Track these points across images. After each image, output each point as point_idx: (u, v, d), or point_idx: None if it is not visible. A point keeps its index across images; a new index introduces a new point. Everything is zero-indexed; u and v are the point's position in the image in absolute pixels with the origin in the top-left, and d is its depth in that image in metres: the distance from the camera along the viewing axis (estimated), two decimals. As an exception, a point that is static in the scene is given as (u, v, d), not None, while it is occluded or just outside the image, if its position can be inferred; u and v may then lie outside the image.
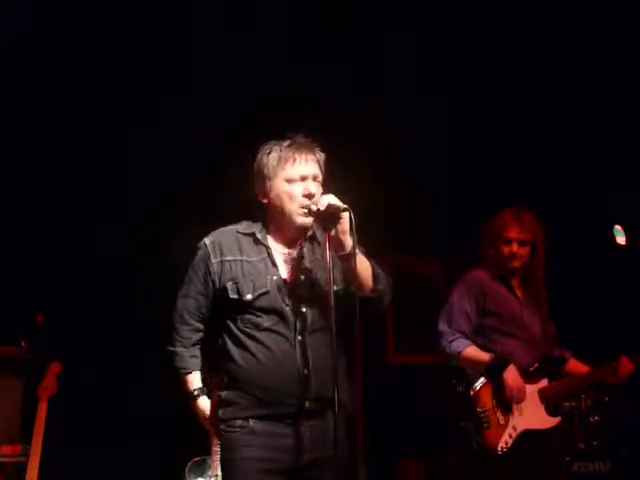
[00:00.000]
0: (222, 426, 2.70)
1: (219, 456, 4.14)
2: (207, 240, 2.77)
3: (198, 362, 2.87)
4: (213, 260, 2.73)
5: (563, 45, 4.58)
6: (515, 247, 3.79)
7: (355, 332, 2.47)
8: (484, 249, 3.89)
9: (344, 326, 2.67)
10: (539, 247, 3.83)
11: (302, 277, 2.71)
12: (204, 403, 2.86)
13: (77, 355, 4.78)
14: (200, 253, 2.77)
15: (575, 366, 3.89)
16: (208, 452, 4.31)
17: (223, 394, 2.72)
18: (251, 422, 2.63)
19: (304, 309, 2.67)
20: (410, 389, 5.72)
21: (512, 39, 4.58)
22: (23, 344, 4.39)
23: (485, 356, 3.68)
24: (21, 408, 4.47)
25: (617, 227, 5.62)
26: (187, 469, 4.33)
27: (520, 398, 3.63)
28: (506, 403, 3.63)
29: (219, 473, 4.21)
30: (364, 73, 4.62)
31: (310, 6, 4.27)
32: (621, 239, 5.62)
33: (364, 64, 4.57)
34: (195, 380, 2.87)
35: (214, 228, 2.82)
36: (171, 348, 2.84)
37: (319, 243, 2.75)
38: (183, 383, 2.87)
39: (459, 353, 3.71)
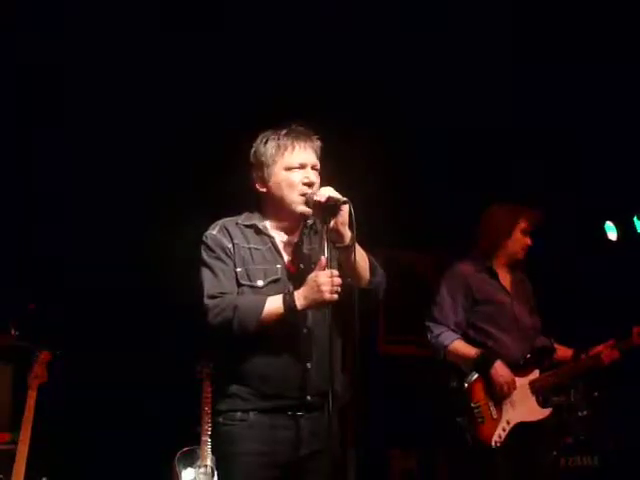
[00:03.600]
0: (220, 418, 2.65)
1: (209, 447, 4.17)
2: (213, 231, 2.71)
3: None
4: (227, 244, 2.66)
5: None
6: (529, 240, 3.84)
7: (353, 325, 2.47)
8: (497, 237, 3.84)
9: (341, 319, 2.69)
10: None
11: (302, 266, 2.69)
12: None
13: (67, 344, 4.78)
14: (210, 241, 2.69)
15: (561, 352, 3.89)
16: (197, 442, 4.33)
17: (221, 385, 2.66)
18: (252, 415, 2.60)
19: None
20: (401, 380, 5.72)
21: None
22: (13, 332, 4.38)
23: (471, 351, 3.68)
24: (10, 396, 4.46)
25: (609, 223, 5.64)
26: (176, 459, 4.34)
27: (509, 392, 3.63)
28: (497, 397, 3.64)
29: (208, 463, 4.23)
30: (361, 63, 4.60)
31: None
32: (612, 235, 5.64)
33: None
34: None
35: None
36: (225, 305, 2.54)
37: (316, 232, 2.74)
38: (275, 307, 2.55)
39: (445, 347, 3.71)
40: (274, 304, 2.55)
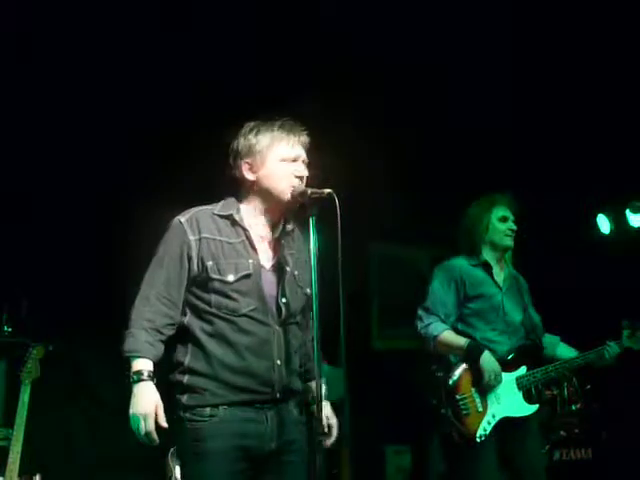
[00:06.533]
0: (187, 414, 2.57)
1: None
2: (182, 218, 2.65)
3: (152, 350, 2.53)
4: (191, 237, 2.61)
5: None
6: (511, 224, 3.82)
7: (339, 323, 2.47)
8: (475, 232, 3.84)
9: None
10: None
11: (280, 267, 2.69)
12: (152, 389, 2.52)
13: (60, 339, 4.76)
14: (174, 231, 2.64)
15: (563, 351, 3.90)
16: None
17: (185, 379, 2.58)
18: (221, 409, 2.55)
19: (284, 300, 2.66)
20: (394, 375, 5.73)
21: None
22: (6, 328, 4.37)
23: (461, 341, 3.67)
24: (4, 392, 4.46)
25: (601, 216, 5.66)
26: (170, 455, 4.33)
27: (495, 382, 3.62)
28: (484, 389, 3.63)
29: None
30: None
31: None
32: (605, 228, 5.66)
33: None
34: (145, 364, 2.52)
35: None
36: (127, 330, 2.55)
37: (294, 239, 2.75)
38: (129, 367, 2.53)
39: (435, 337, 3.69)
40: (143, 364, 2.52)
